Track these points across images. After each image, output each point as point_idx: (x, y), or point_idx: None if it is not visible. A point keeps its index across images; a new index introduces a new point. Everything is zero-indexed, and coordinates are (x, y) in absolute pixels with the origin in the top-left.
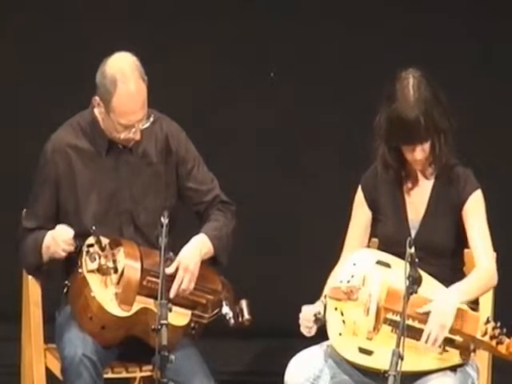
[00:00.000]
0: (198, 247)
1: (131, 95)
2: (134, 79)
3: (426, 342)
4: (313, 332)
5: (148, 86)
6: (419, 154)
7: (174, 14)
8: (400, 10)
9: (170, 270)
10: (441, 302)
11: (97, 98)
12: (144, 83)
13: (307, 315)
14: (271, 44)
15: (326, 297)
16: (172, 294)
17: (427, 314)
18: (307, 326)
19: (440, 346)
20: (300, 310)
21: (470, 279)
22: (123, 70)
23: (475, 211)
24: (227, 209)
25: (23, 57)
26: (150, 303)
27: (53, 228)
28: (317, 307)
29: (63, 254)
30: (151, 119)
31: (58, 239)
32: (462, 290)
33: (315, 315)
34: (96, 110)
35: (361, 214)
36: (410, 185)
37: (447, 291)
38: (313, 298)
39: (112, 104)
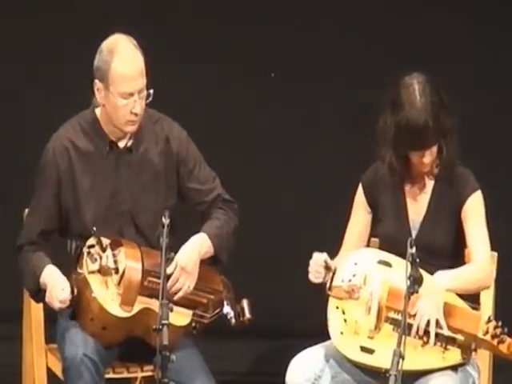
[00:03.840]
0: (197, 246)
1: (128, 60)
2: (131, 48)
3: (417, 332)
4: (321, 278)
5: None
6: (428, 157)
7: (174, 14)
8: (400, 10)
9: (169, 270)
10: (429, 285)
11: (96, 80)
12: (141, 55)
13: (318, 260)
14: (271, 44)
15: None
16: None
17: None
18: (317, 270)
19: (442, 345)
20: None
21: (462, 269)
22: (118, 42)
23: (474, 212)
24: (229, 207)
25: (24, 56)
26: (151, 303)
27: (55, 229)
28: (328, 257)
29: (57, 309)
30: (151, 91)
31: (54, 297)
32: (450, 276)
33: (325, 261)
34: (98, 110)
35: (360, 213)
36: (411, 185)
37: (435, 275)
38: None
39: (110, 74)
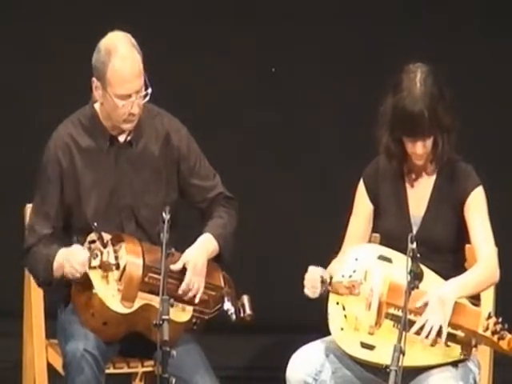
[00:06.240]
0: (205, 247)
1: (125, 62)
2: (128, 48)
3: (420, 333)
4: (317, 294)
5: (145, 69)
6: (420, 148)
7: (174, 13)
8: (401, 10)
9: (175, 267)
10: (439, 294)
11: (94, 79)
12: (139, 54)
13: (313, 275)
14: (271, 44)
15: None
16: (180, 292)
17: (426, 305)
18: (313, 285)
19: (440, 343)
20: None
21: (470, 274)
22: (116, 42)
23: (477, 207)
24: (231, 205)
25: (24, 56)
26: (151, 299)
27: (62, 226)
28: (324, 271)
29: (78, 276)
30: (149, 91)
31: (74, 262)
32: (460, 284)
33: (321, 277)
34: (97, 106)
35: (362, 208)
36: (412, 180)
37: (445, 284)
38: None
39: (107, 75)
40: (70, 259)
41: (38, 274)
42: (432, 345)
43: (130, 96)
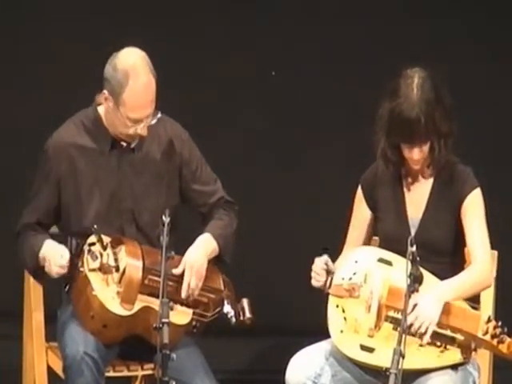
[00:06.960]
0: (204, 247)
1: (143, 89)
2: (146, 73)
3: (408, 332)
4: (321, 282)
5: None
6: (416, 154)
7: (174, 13)
8: (401, 10)
9: (177, 271)
10: (428, 294)
11: (105, 91)
12: (154, 78)
13: (319, 263)
14: (271, 44)
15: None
16: (183, 295)
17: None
18: (318, 273)
19: (442, 344)
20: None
21: (463, 276)
22: (135, 65)
23: (473, 209)
24: (231, 208)
25: (24, 56)
26: (151, 302)
27: (51, 223)
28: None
29: (55, 276)
30: (158, 115)
31: (52, 263)
32: (453, 287)
33: (326, 263)
34: (100, 108)
35: (361, 213)
36: (409, 183)
37: (436, 286)
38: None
39: (123, 98)
40: (50, 260)
41: (26, 261)
42: (441, 351)
43: (141, 121)
